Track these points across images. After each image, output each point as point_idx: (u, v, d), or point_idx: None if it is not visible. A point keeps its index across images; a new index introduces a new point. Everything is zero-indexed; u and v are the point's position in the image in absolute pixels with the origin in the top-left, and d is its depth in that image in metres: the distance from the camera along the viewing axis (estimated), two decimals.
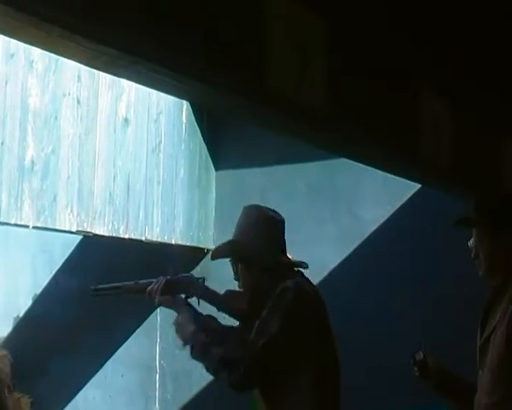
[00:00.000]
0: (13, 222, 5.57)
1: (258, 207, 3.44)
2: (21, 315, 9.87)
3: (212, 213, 7.18)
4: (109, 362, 8.48)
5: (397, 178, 5.12)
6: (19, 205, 5.53)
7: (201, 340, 3.18)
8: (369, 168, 5.05)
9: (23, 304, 9.81)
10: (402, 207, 5.92)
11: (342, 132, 3.38)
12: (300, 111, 3.00)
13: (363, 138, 3.52)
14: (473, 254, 3.14)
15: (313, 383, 3.25)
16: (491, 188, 4.32)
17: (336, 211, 6.42)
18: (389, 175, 5.30)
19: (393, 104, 3.64)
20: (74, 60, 2.40)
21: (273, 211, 3.44)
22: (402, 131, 3.74)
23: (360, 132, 3.43)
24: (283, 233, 3.43)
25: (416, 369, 3.39)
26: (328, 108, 3.07)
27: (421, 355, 3.38)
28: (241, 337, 3.23)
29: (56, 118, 5.81)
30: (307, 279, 3.47)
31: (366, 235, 6.14)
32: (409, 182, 5.36)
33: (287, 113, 3.00)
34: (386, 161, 3.96)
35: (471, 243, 3.15)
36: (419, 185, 5.64)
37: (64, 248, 9.10)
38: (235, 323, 3.62)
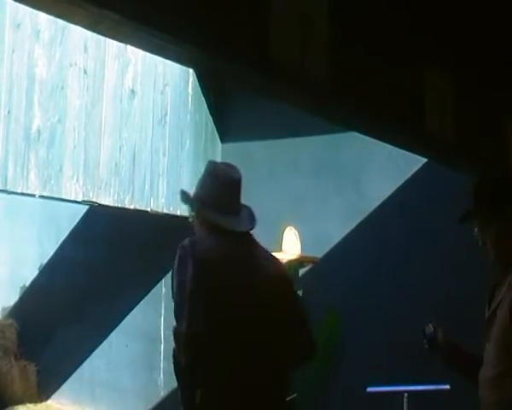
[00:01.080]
0: (19, 191, 5.60)
1: (210, 163, 3.44)
2: (27, 285, 9.94)
3: None
4: (114, 332, 8.54)
5: (402, 152, 5.11)
6: (25, 174, 5.56)
7: None
8: (374, 143, 5.03)
9: (29, 274, 9.88)
10: (407, 181, 5.91)
11: (345, 104, 3.37)
12: (303, 82, 2.99)
13: (365, 111, 3.51)
14: (480, 243, 3.14)
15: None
16: (493, 165, 4.32)
17: (341, 185, 6.42)
18: (394, 150, 5.29)
19: (397, 78, 3.62)
20: (79, 24, 2.40)
21: (227, 167, 3.37)
22: (405, 105, 3.72)
23: (362, 105, 3.42)
24: (233, 192, 3.36)
25: (425, 342, 3.40)
26: (331, 80, 3.06)
27: (431, 328, 3.38)
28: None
29: (63, 88, 5.82)
30: (233, 242, 3.24)
31: (371, 209, 6.14)
32: (414, 157, 5.34)
33: (289, 84, 3.00)
34: (389, 133, 3.95)
35: (476, 232, 3.14)
36: (424, 160, 5.62)
37: (70, 218, 9.15)
38: None
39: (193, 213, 3.38)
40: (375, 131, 3.89)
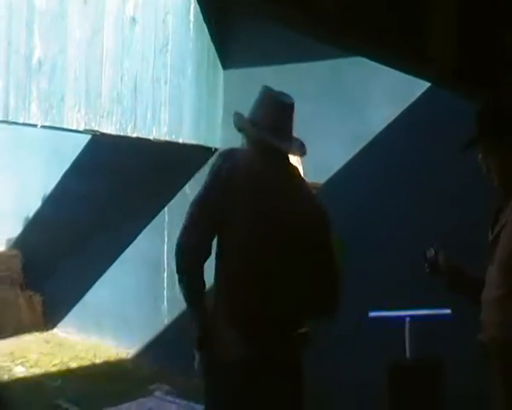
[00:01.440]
0: (21, 121, 5.60)
1: (264, 88, 3.44)
2: (31, 216, 9.99)
3: (220, 113, 7.20)
4: (118, 261, 8.62)
5: (406, 77, 5.08)
6: (27, 105, 5.56)
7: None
8: (378, 68, 5.00)
9: (33, 205, 9.92)
10: (411, 106, 5.87)
11: (354, 35, 3.35)
12: (314, 14, 2.97)
13: (375, 40, 3.49)
14: (484, 170, 3.15)
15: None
16: (497, 91, 4.30)
17: (345, 111, 6.40)
18: (397, 75, 5.26)
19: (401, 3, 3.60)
20: None
21: (282, 94, 3.41)
22: (410, 31, 3.70)
23: (371, 35, 3.40)
24: (287, 116, 3.39)
25: (426, 266, 3.42)
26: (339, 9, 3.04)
27: (432, 252, 3.40)
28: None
29: (63, 18, 5.77)
30: (280, 163, 3.33)
31: (375, 134, 6.12)
32: (417, 82, 5.32)
33: (301, 15, 2.97)
34: (393, 58, 3.94)
35: (480, 158, 3.14)
36: (427, 85, 5.59)
37: (73, 149, 9.15)
38: None
39: (244, 138, 3.41)
40: (382, 56, 3.86)
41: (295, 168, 3.47)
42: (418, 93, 5.80)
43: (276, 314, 3.21)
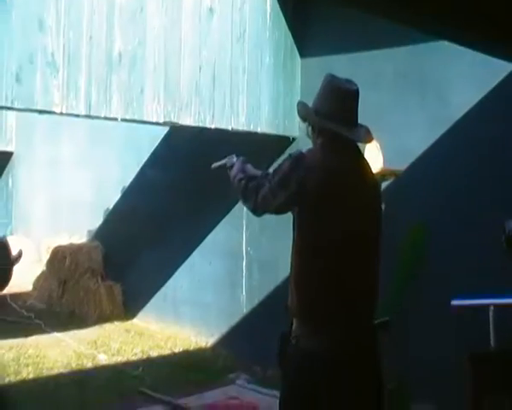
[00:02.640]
0: (102, 115, 5.69)
1: (328, 75, 3.43)
2: (111, 208, 10.18)
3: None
4: (197, 251, 8.70)
5: (485, 60, 4.98)
6: (108, 99, 5.65)
7: (239, 176, 3.51)
8: (457, 52, 4.92)
9: (112, 197, 10.10)
10: (491, 91, 5.75)
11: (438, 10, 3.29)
12: None
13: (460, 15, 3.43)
14: None
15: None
16: None
17: (424, 97, 6.30)
18: (478, 58, 5.16)
19: None
20: None
21: (345, 81, 3.39)
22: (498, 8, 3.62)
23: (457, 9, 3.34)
24: (350, 104, 3.37)
25: (503, 239, 3.35)
26: None
27: (511, 225, 3.34)
28: (257, 184, 3.38)
29: (142, 10, 5.85)
30: (350, 156, 3.33)
31: (455, 120, 6.00)
32: (498, 64, 5.21)
33: None
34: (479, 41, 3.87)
35: None
36: (508, 70, 5.48)
37: (150, 141, 9.27)
38: None
39: (309, 127, 3.41)
40: (465, 35, 3.79)
41: (365, 161, 3.45)
42: (500, 76, 5.67)
43: (355, 307, 3.21)
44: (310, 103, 3.41)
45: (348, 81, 3.37)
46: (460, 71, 5.98)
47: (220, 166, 3.77)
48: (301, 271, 3.22)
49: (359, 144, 3.42)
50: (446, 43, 4.65)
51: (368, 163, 3.44)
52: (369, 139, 3.39)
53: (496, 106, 5.75)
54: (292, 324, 3.26)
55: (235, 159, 3.68)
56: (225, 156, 3.74)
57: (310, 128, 3.39)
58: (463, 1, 3.38)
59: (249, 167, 3.61)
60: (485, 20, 3.53)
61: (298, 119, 7.12)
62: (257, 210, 3.43)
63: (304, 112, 3.42)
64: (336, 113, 3.27)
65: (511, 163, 5.64)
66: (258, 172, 3.52)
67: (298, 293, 3.21)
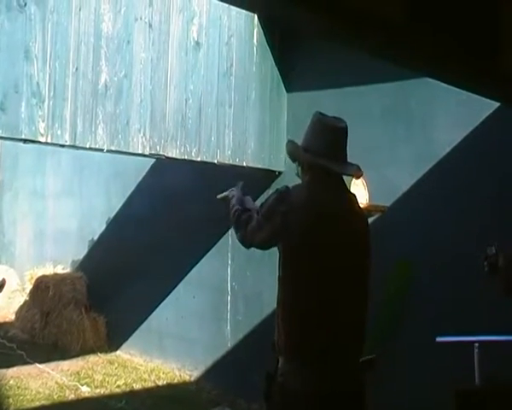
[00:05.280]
0: (88, 146, 5.66)
1: (316, 113, 3.43)
2: (96, 238, 10.13)
3: (284, 136, 7.18)
4: (181, 284, 8.65)
5: (471, 98, 5.00)
6: (93, 129, 5.62)
7: (235, 208, 3.54)
8: (443, 89, 4.93)
9: (97, 228, 10.06)
10: (477, 128, 5.77)
11: (421, 48, 3.30)
12: (376, 24, 2.93)
13: (444, 55, 3.43)
14: None
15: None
16: None
17: (410, 133, 6.31)
18: (463, 96, 5.18)
19: (471, 17, 3.53)
20: None
21: (334, 118, 3.39)
22: (480, 46, 3.63)
23: (440, 47, 3.34)
24: (339, 140, 3.37)
25: (485, 264, 3.34)
26: (407, 21, 2.99)
27: (493, 250, 3.34)
28: (248, 217, 3.42)
29: (129, 42, 5.85)
30: (342, 192, 3.37)
31: (440, 157, 6.00)
32: (483, 103, 5.23)
33: (361, 26, 2.94)
34: (462, 79, 3.88)
35: None
36: (494, 106, 5.49)
37: (136, 172, 9.25)
38: None
39: (298, 167, 3.42)
40: (448, 73, 3.79)
41: (353, 196, 3.45)
42: (485, 113, 5.69)
43: (343, 344, 3.19)
44: (297, 140, 3.43)
45: (337, 118, 3.38)
46: (445, 107, 6.01)
47: (223, 198, 3.80)
48: (287, 307, 3.20)
49: (345, 181, 3.43)
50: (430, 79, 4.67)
51: (356, 198, 3.44)
52: (359, 174, 3.41)
53: (481, 144, 5.77)
54: (278, 360, 3.24)
55: (235, 191, 3.71)
56: (226, 189, 3.80)
57: (299, 168, 3.40)
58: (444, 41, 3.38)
59: (247, 200, 3.65)
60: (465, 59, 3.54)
61: (284, 153, 7.19)
62: (245, 242, 3.44)
63: (293, 150, 3.42)
64: (326, 149, 3.27)
65: (495, 199, 5.64)
66: (255, 206, 3.54)
67: (285, 329, 3.19)
